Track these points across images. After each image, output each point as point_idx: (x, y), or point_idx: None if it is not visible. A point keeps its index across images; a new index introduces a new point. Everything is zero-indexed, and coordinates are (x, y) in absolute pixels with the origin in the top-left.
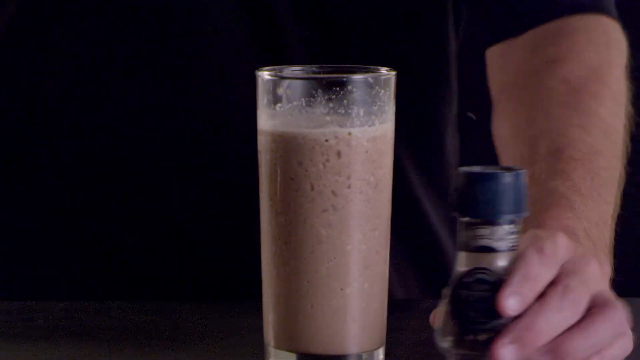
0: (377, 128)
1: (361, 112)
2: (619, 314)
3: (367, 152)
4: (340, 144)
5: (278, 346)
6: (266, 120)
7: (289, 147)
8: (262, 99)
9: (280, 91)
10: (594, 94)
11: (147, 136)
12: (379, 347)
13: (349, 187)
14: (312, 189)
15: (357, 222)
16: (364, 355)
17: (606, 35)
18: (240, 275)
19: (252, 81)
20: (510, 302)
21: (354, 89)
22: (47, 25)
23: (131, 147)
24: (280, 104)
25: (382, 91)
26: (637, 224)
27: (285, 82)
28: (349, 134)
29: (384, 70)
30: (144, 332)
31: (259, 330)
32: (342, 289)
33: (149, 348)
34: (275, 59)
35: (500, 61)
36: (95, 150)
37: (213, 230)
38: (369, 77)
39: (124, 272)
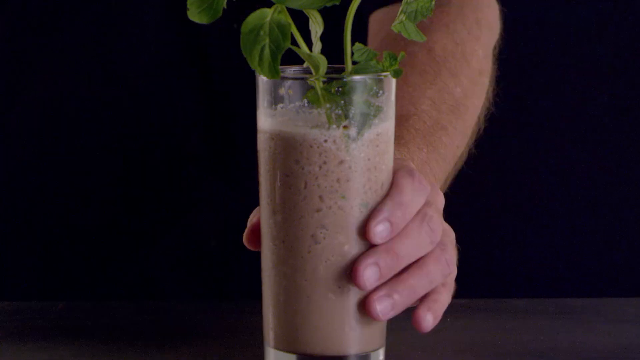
0: (375, 128)
1: (359, 112)
2: (449, 253)
3: (365, 152)
4: (337, 144)
5: (277, 347)
6: (265, 120)
7: (287, 146)
8: (262, 99)
9: (280, 91)
10: (453, 72)
11: (146, 136)
12: (379, 348)
13: (346, 186)
14: (306, 187)
15: (354, 221)
16: (364, 355)
17: (478, 12)
18: (240, 275)
19: (252, 81)
20: (380, 229)
21: (352, 89)
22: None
23: (129, 147)
24: (279, 104)
25: (381, 91)
26: (637, 223)
27: (285, 83)
28: (347, 135)
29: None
30: (144, 332)
31: (259, 330)
32: (339, 288)
33: (149, 348)
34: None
35: (376, 27)
36: (94, 151)
37: (212, 230)
38: (367, 77)
39: (124, 272)
